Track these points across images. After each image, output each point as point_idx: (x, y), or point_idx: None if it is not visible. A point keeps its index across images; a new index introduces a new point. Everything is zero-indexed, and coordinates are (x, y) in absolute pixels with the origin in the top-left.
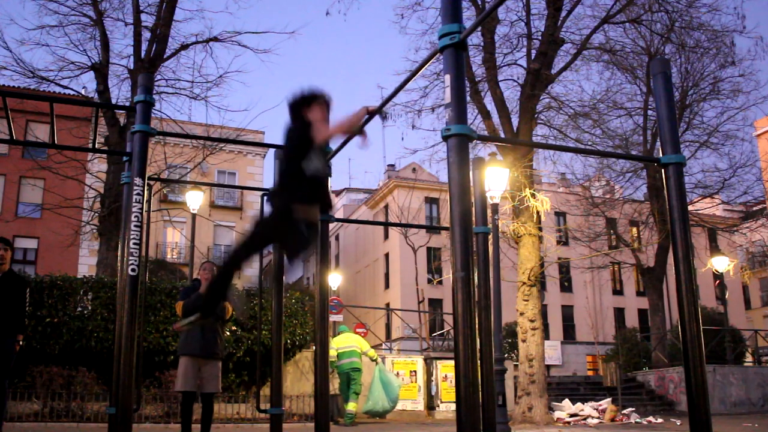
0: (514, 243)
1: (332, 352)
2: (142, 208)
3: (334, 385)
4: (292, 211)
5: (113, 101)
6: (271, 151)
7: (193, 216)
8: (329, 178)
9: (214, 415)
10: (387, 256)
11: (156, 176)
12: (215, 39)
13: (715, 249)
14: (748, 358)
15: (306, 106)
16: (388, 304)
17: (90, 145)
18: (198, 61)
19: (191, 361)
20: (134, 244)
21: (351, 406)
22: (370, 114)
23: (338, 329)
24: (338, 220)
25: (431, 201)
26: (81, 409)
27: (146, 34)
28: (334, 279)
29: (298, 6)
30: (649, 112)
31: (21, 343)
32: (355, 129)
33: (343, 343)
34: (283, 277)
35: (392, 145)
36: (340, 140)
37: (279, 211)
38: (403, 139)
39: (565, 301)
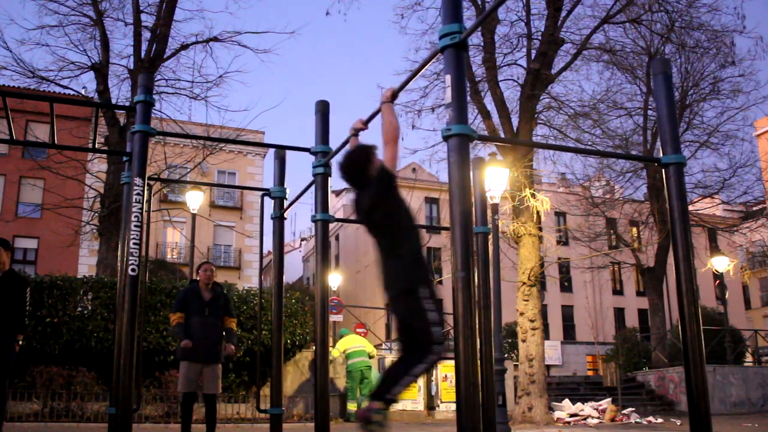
0: (514, 243)
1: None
2: (142, 208)
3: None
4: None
5: (113, 101)
6: (271, 151)
7: (193, 216)
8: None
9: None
10: None
11: (156, 176)
12: (215, 39)
13: (715, 249)
14: (748, 358)
15: (369, 163)
16: (388, 304)
17: (90, 145)
18: (198, 61)
19: (192, 365)
20: (134, 244)
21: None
22: (394, 94)
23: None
24: (338, 220)
25: (431, 201)
26: (81, 409)
27: (146, 34)
28: (334, 279)
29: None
30: (649, 112)
31: (21, 343)
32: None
33: (351, 343)
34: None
35: None
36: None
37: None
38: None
39: (565, 301)
